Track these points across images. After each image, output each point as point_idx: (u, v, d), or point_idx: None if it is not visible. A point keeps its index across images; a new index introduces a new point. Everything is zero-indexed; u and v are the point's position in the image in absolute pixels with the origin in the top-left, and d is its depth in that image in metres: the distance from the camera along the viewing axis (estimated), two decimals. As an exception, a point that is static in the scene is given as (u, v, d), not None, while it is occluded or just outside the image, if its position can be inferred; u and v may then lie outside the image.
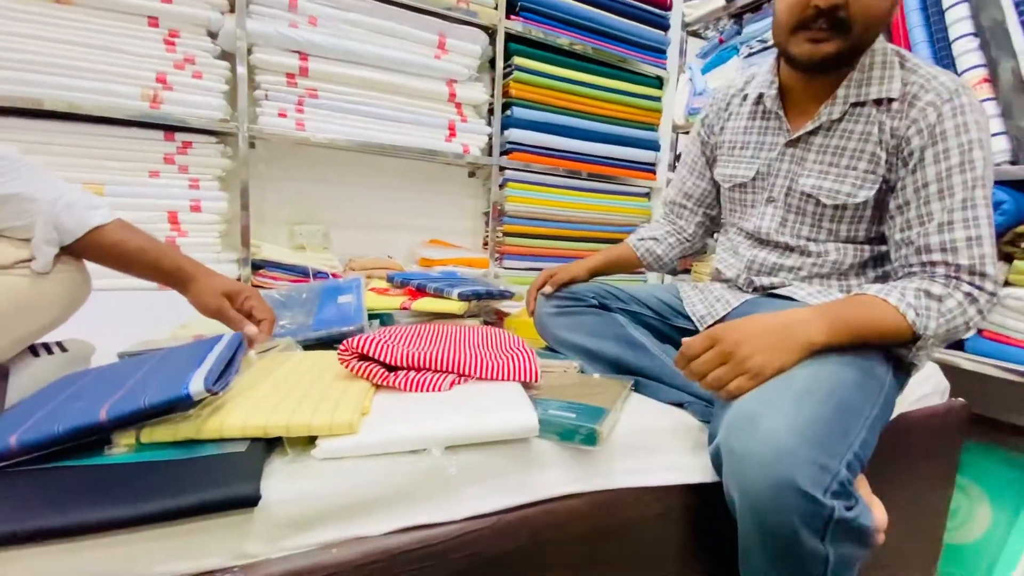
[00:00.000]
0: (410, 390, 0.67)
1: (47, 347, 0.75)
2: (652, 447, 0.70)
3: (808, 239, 0.84)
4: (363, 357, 0.69)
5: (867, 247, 0.82)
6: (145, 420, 0.51)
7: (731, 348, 0.63)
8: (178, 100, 1.44)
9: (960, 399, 1.07)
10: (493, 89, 1.92)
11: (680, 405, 0.79)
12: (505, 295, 1.24)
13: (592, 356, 0.92)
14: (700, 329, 0.91)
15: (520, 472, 0.61)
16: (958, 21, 1.18)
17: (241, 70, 1.52)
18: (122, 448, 0.51)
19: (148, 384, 0.55)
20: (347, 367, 0.69)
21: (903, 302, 0.67)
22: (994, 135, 1.13)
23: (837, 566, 0.56)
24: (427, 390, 0.67)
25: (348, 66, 1.65)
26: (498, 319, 1.31)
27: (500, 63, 1.89)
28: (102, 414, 0.49)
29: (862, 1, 0.69)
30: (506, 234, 2.00)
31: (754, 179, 0.90)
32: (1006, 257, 1.13)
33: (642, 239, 1.12)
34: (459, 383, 0.70)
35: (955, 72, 1.19)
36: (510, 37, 1.90)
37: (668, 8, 2.19)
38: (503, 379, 0.71)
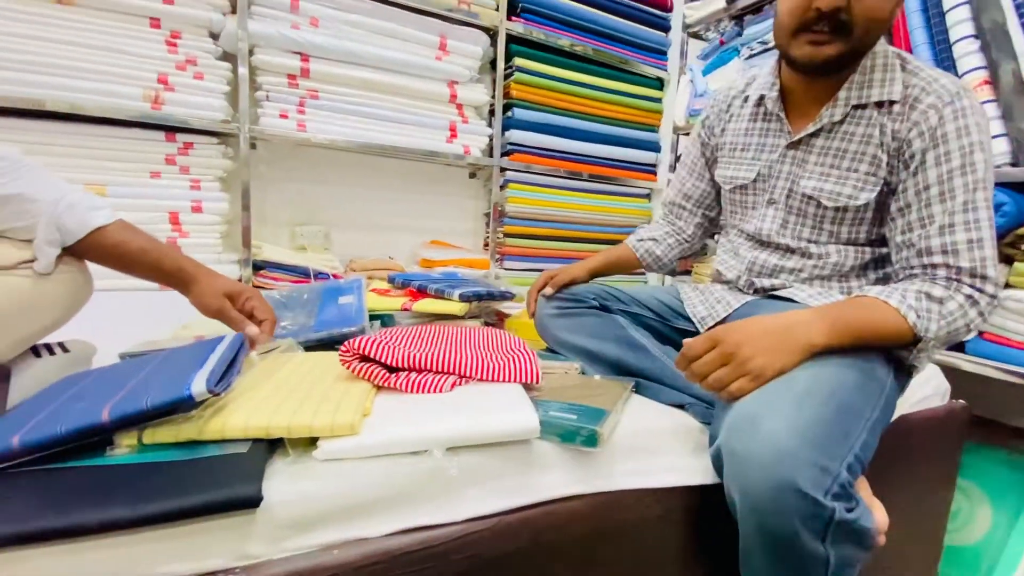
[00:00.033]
0: (411, 391, 0.67)
1: (49, 348, 0.76)
2: (653, 449, 0.70)
3: (809, 241, 0.84)
4: (364, 358, 0.69)
5: (868, 249, 0.82)
6: (147, 421, 0.52)
7: (732, 349, 0.63)
8: (180, 101, 1.45)
9: (961, 401, 1.07)
10: (494, 90, 1.92)
11: (681, 407, 0.79)
12: (506, 296, 1.24)
13: (593, 357, 0.92)
14: (701, 330, 0.91)
15: (521, 473, 0.61)
16: (959, 23, 1.18)
17: (242, 71, 1.53)
18: (124, 449, 0.51)
19: (150, 385, 0.55)
20: (348, 368, 0.69)
21: (904, 304, 0.67)
22: (995, 137, 1.13)
23: (838, 568, 0.56)
24: (428, 391, 0.67)
25: (349, 67, 1.65)
26: (499, 320, 1.31)
27: (501, 64, 1.90)
28: (104, 415, 0.49)
29: (864, 3, 0.69)
30: (507, 235, 2.01)
31: (755, 181, 0.90)
32: (1007, 259, 1.13)
33: (641, 240, 1.12)
34: (460, 384, 0.70)
35: (956, 74, 1.19)
36: (511, 38, 1.90)
37: (669, 9, 2.19)
38: (504, 380, 0.71)
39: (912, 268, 0.73)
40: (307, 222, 1.84)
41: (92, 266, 0.75)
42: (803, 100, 0.83)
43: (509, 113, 1.94)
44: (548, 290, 1.04)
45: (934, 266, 0.71)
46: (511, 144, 1.95)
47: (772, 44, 0.87)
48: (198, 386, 0.51)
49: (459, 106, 1.85)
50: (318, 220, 1.86)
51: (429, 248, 1.97)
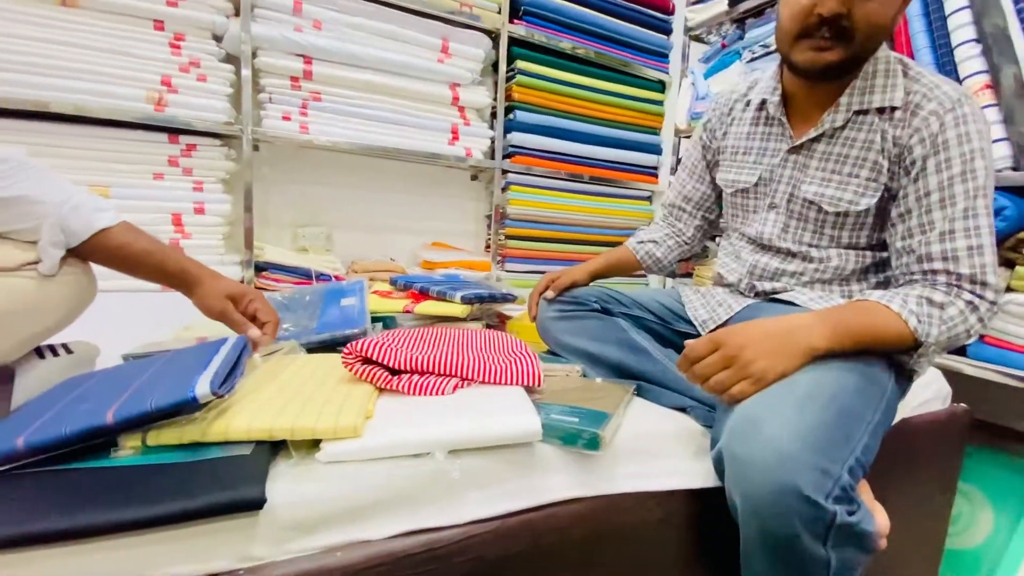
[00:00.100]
0: (413, 394, 0.68)
1: (53, 349, 0.76)
2: (654, 452, 0.71)
3: (810, 245, 0.85)
4: (367, 360, 0.69)
5: (869, 253, 0.82)
6: (151, 423, 0.52)
7: (734, 352, 0.63)
8: (183, 103, 1.45)
9: (962, 404, 1.07)
10: (496, 93, 1.93)
11: (682, 410, 0.79)
12: (507, 298, 1.24)
13: (594, 360, 0.92)
14: (702, 333, 0.91)
15: (523, 476, 0.61)
16: (960, 27, 1.18)
17: (245, 73, 1.53)
18: (128, 450, 0.52)
19: (154, 387, 0.55)
20: (351, 370, 0.69)
21: (905, 309, 0.67)
22: (996, 141, 1.14)
23: (839, 571, 0.56)
24: (430, 394, 0.68)
25: (352, 69, 1.66)
26: (500, 322, 1.31)
27: (503, 67, 1.90)
28: (109, 416, 0.49)
29: (865, 10, 0.69)
30: (508, 237, 2.01)
31: (756, 185, 0.90)
32: (1008, 263, 1.13)
33: (642, 242, 1.13)
34: (462, 387, 0.70)
35: (957, 78, 1.19)
36: (513, 41, 1.90)
37: (670, 12, 2.20)
38: (506, 383, 0.71)
39: (912, 274, 0.73)
40: (309, 224, 1.84)
41: (95, 267, 0.76)
42: (805, 105, 0.84)
43: (511, 115, 1.95)
44: (549, 293, 1.04)
45: (934, 272, 0.71)
46: (513, 146, 1.95)
47: (774, 48, 0.87)
48: (202, 388, 0.52)
49: (461, 108, 1.86)
50: (320, 222, 1.87)
51: (430, 250, 1.98)
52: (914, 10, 1.28)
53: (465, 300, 1.13)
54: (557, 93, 2.00)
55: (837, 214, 0.81)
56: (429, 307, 1.15)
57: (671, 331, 0.98)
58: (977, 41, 1.16)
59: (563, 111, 2.02)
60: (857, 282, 0.84)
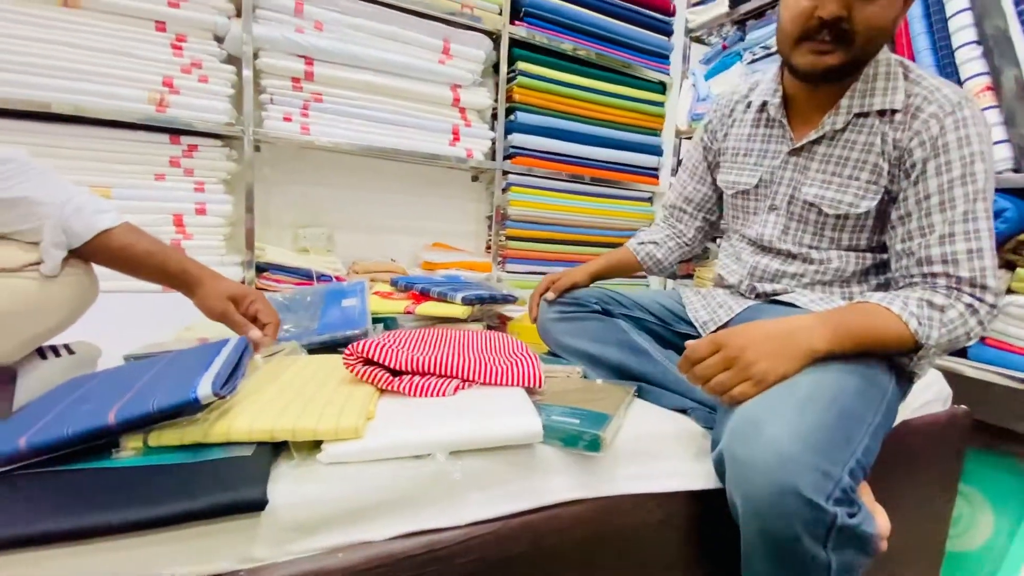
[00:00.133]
0: (414, 395, 0.68)
1: (55, 349, 0.76)
2: (655, 453, 0.71)
3: (810, 247, 0.85)
4: (368, 361, 0.69)
5: (869, 255, 0.82)
6: (153, 423, 0.52)
7: (736, 353, 0.63)
8: (184, 104, 1.46)
9: (963, 406, 1.07)
10: (497, 94, 1.93)
11: (683, 411, 0.79)
12: (508, 299, 1.25)
13: (595, 361, 0.92)
14: (703, 335, 0.91)
15: (524, 478, 0.61)
16: (961, 29, 1.19)
17: (247, 74, 1.53)
18: (130, 451, 0.52)
19: (156, 388, 0.55)
20: (352, 371, 0.69)
21: (906, 311, 0.67)
22: (997, 143, 1.14)
23: (839, 573, 0.56)
24: (431, 395, 0.68)
25: (353, 70, 1.66)
26: (501, 323, 1.32)
27: (504, 68, 1.90)
28: (111, 417, 0.49)
29: (865, 13, 0.69)
30: (509, 238, 2.01)
31: (757, 186, 0.90)
32: (1008, 265, 1.13)
33: (642, 243, 1.13)
34: (463, 388, 0.70)
35: (958, 80, 1.19)
36: (514, 42, 1.91)
37: (671, 14, 2.20)
38: (507, 384, 0.71)
39: (912, 276, 0.74)
40: (310, 224, 1.85)
41: (96, 268, 0.76)
42: (805, 107, 0.84)
43: (511, 117, 1.95)
44: (550, 295, 1.04)
45: (934, 275, 0.71)
46: (513, 147, 1.95)
47: (775, 49, 0.87)
48: (204, 389, 0.52)
49: (462, 110, 1.86)
50: (321, 222, 1.87)
51: (431, 251, 1.98)
52: (915, 12, 1.28)
53: (466, 301, 1.13)
54: (558, 94, 2.00)
55: (837, 216, 0.81)
56: (430, 308, 1.15)
57: (672, 332, 0.98)
58: (978, 43, 1.17)
59: (564, 112, 2.02)
60: (858, 284, 0.84)
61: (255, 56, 1.55)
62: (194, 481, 0.48)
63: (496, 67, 1.92)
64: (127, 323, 0.98)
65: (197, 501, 0.45)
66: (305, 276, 1.65)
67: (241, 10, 1.50)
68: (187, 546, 0.46)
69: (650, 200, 2.32)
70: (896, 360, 0.72)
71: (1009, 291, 1.12)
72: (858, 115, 0.78)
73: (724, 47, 2.00)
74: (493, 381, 0.71)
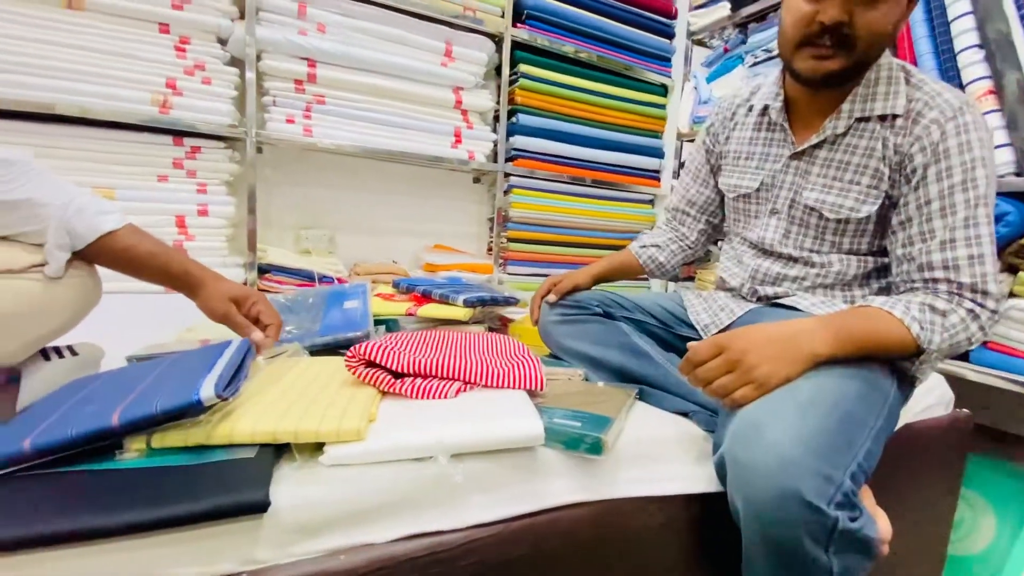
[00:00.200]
0: (416, 397, 0.68)
1: (58, 350, 0.76)
2: (656, 456, 0.71)
3: (811, 251, 0.85)
4: (370, 364, 0.69)
5: (871, 259, 0.82)
6: (157, 425, 0.52)
7: (738, 356, 0.63)
8: (187, 105, 1.46)
9: (965, 410, 1.07)
10: (499, 96, 1.93)
11: (684, 414, 0.79)
12: (510, 301, 1.25)
13: (596, 364, 0.92)
14: (704, 338, 0.91)
15: (525, 481, 0.61)
16: (963, 33, 1.19)
17: (250, 76, 1.54)
18: (133, 453, 0.52)
19: (159, 389, 0.55)
20: (354, 373, 0.69)
21: (908, 315, 0.67)
22: (999, 147, 1.14)
23: (841, 577, 0.56)
24: (433, 397, 0.68)
25: (356, 73, 1.67)
26: (502, 325, 1.32)
27: (506, 70, 1.91)
28: (114, 419, 0.50)
29: (867, 18, 0.69)
30: (510, 240, 2.01)
31: (758, 190, 0.90)
32: (1011, 268, 1.13)
33: (644, 246, 1.13)
34: (465, 390, 0.70)
35: (960, 84, 1.19)
36: (516, 45, 1.91)
37: (673, 17, 2.20)
38: (508, 387, 0.72)
39: (913, 282, 0.74)
40: (312, 226, 1.85)
41: (99, 269, 0.76)
42: (807, 111, 0.84)
43: (513, 119, 1.95)
44: (551, 297, 1.04)
45: (935, 281, 0.71)
46: (515, 150, 1.96)
47: (776, 52, 0.87)
48: (207, 391, 0.52)
49: (464, 112, 1.87)
50: (323, 224, 1.87)
51: (433, 252, 1.98)
52: (917, 16, 1.28)
53: (467, 303, 1.13)
54: (559, 97, 2.00)
55: (838, 221, 0.81)
56: (432, 310, 1.15)
57: (673, 335, 0.98)
58: (980, 47, 1.17)
59: (565, 114, 2.03)
60: (859, 287, 0.84)
61: (258, 58, 1.56)
62: (197, 483, 0.48)
63: (498, 69, 1.93)
64: (129, 324, 0.98)
65: (200, 503, 0.45)
66: (307, 278, 1.66)
67: (244, 12, 1.51)
68: (190, 548, 0.46)
69: (651, 202, 2.32)
70: (898, 364, 0.72)
71: (1011, 295, 1.12)
72: (859, 120, 0.78)
73: (726, 50, 2.00)
74: (494, 383, 0.72)
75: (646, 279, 2.17)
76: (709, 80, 2.05)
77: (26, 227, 0.67)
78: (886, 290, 0.83)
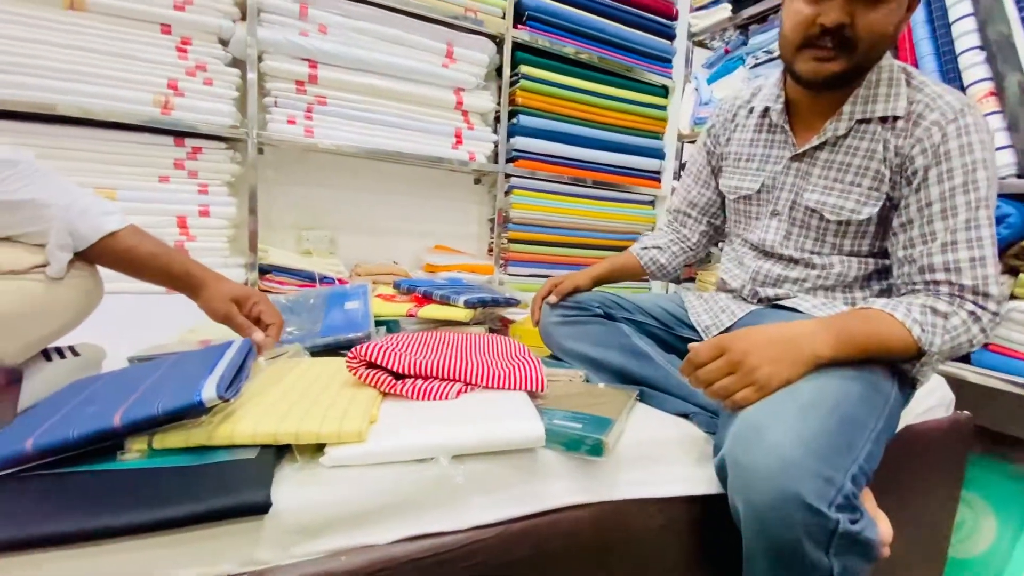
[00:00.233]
0: (417, 398, 0.68)
1: (60, 351, 0.76)
2: (657, 458, 0.71)
3: (812, 252, 0.85)
4: (371, 365, 0.70)
5: (871, 260, 0.82)
6: (158, 426, 0.52)
7: (739, 358, 0.63)
8: (189, 106, 1.46)
9: (965, 412, 1.07)
10: (499, 97, 1.94)
11: (685, 416, 0.79)
12: (511, 303, 1.25)
13: (597, 366, 0.92)
14: (705, 339, 0.91)
15: (526, 482, 0.61)
16: (964, 34, 1.19)
17: (251, 77, 1.54)
18: (135, 454, 0.52)
19: (160, 390, 0.55)
20: (355, 375, 0.69)
21: (909, 317, 0.67)
22: (1000, 149, 1.14)
23: (841, 579, 0.56)
24: (434, 399, 0.68)
25: (357, 74, 1.67)
26: (503, 326, 1.32)
27: (507, 71, 1.91)
28: (116, 420, 0.50)
29: (867, 20, 0.69)
30: (511, 241, 2.01)
31: (759, 192, 0.90)
32: (1012, 270, 1.13)
33: (646, 248, 1.13)
34: (465, 392, 0.70)
35: (961, 85, 1.19)
36: (517, 46, 1.91)
37: (674, 18, 2.20)
38: (509, 388, 0.72)
39: (914, 284, 0.74)
40: (313, 226, 1.85)
41: (101, 269, 0.76)
42: (808, 113, 0.84)
43: (514, 120, 1.96)
44: (552, 298, 1.04)
45: (936, 283, 0.71)
46: (516, 150, 1.96)
47: (777, 54, 0.87)
48: (208, 392, 0.52)
49: (465, 113, 1.87)
50: (324, 224, 1.87)
51: (434, 253, 1.98)
52: (918, 17, 1.28)
53: (468, 304, 1.14)
54: (560, 97, 2.01)
55: (839, 222, 0.81)
56: (432, 311, 1.15)
57: (674, 336, 0.98)
58: (981, 48, 1.17)
59: (566, 115, 2.03)
60: (860, 289, 0.84)
61: (259, 59, 1.56)
62: (198, 484, 0.48)
63: (499, 71, 1.93)
64: (131, 325, 0.99)
65: (201, 503, 0.45)
66: (308, 278, 1.66)
67: (246, 13, 1.51)
68: (191, 548, 0.46)
69: (652, 203, 2.32)
70: (899, 366, 0.72)
71: (1012, 297, 1.12)
72: (860, 121, 0.78)
73: (727, 51, 2.00)
74: (495, 385, 0.72)
75: (647, 280, 2.17)
76: (710, 81, 2.05)
77: (29, 228, 0.67)
78: (887, 292, 0.83)
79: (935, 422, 1.01)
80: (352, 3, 1.64)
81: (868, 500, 0.73)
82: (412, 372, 0.70)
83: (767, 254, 0.90)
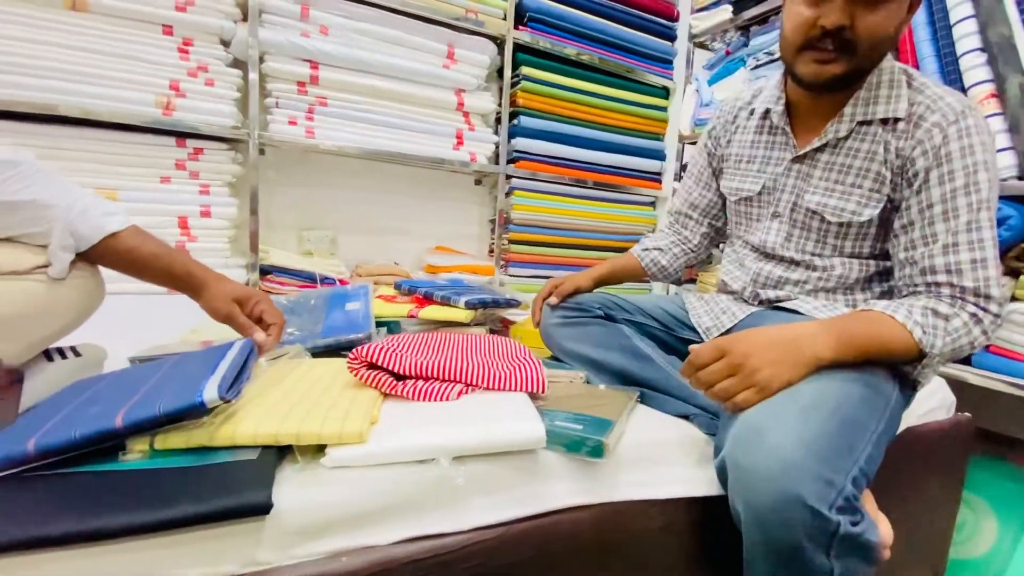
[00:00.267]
0: (418, 399, 0.68)
1: (61, 351, 0.76)
2: (658, 459, 0.71)
3: (813, 254, 0.85)
4: (372, 366, 0.70)
5: (873, 262, 0.82)
6: (160, 427, 0.52)
7: (740, 360, 0.63)
8: (190, 107, 1.47)
9: (966, 414, 1.07)
10: (500, 98, 1.94)
11: (686, 417, 0.79)
12: (511, 304, 1.25)
13: (598, 367, 0.92)
14: (706, 341, 0.91)
15: (526, 483, 0.61)
16: (965, 36, 1.19)
17: (253, 78, 1.55)
18: (136, 454, 0.52)
19: (162, 391, 0.55)
20: (356, 375, 0.69)
21: (910, 319, 0.67)
22: (1001, 150, 1.14)
23: (842, 581, 0.56)
24: (435, 400, 0.68)
25: (358, 75, 1.67)
26: (504, 327, 1.32)
27: (508, 73, 1.91)
28: (118, 420, 0.50)
29: (868, 22, 0.69)
30: (512, 242, 2.02)
31: (760, 193, 0.90)
32: (1013, 272, 1.13)
33: (647, 249, 1.13)
34: (466, 393, 0.70)
35: (962, 87, 1.19)
36: (518, 47, 1.92)
37: (675, 19, 2.21)
38: (510, 389, 0.72)
39: (916, 285, 0.73)
40: (314, 227, 1.85)
41: (102, 270, 0.76)
42: (808, 115, 0.84)
43: (515, 121, 1.96)
44: (553, 299, 1.04)
45: (938, 284, 0.71)
46: (517, 151, 1.96)
47: (778, 55, 0.87)
48: (210, 393, 0.52)
49: (466, 114, 1.87)
50: (325, 225, 1.88)
51: (434, 254, 1.98)
52: (920, 19, 1.28)
53: (469, 305, 1.14)
54: (561, 99, 2.01)
55: (840, 224, 0.81)
56: (433, 312, 1.16)
57: (675, 338, 0.98)
58: (982, 50, 1.17)
59: (567, 116, 2.03)
60: (861, 291, 0.84)
61: (261, 60, 1.56)
62: (200, 484, 0.48)
63: (500, 71, 1.93)
64: (132, 325, 0.99)
65: (203, 504, 0.46)
66: (309, 279, 1.66)
67: (247, 14, 1.52)
68: (192, 549, 0.46)
69: (653, 204, 2.32)
70: (900, 368, 0.72)
71: (1013, 299, 1.12)
72: (861, 123, 0.78)
73: (727, 53, 2.00)
74: (496, 386, 0.72)
75: (648, 282, 2.18)
76: (711, 83, 2.05)
77: (30, 228, 0.68)
78: (888, 294, 0.83)
79: (936, 424, 1.01)
80: (353, 4, 1.64)
81: (869, 502, 0.73)
82: (413, 373, 0.70)
83: (768, 256, 0.90)
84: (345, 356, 0.71)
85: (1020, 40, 1.11)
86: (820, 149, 0.82)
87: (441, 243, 2.07)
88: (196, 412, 0.52)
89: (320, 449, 0.55)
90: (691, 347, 0.66)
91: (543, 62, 1.95)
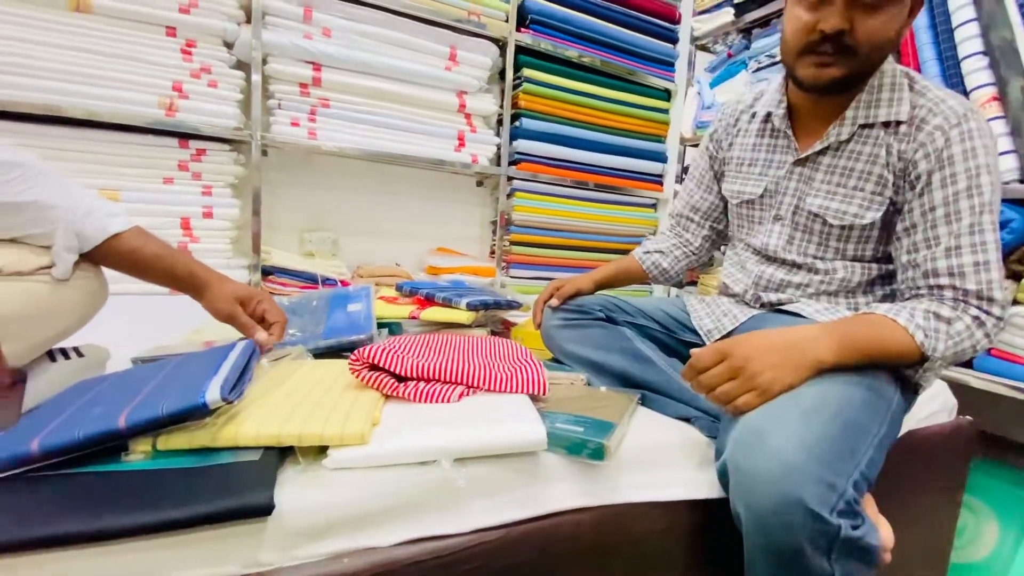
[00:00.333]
0: (419, 401, 0.68)
1: (64, 352, 0.76)
2: (659, 462, 0.71)
3: (815, 257, 0.85)
4: (373, 367, 0.70)
5: (874, 265, 0.82)
6: (162, 428, 0.52)
7: (741, 363, 0.63)
8: (193, 108, 1.47)
9: (968, 417, 1.07)
10: (502, 100, 1.94)
11: (687, 420, 0.79)
12: (513, 305, 1.25)
13: (599, 369, 0.92)
14: (707, 343, 0.91)
15: (528, 485, 0.61)
16: (967, 40, 1.19)
17: (256, 79, 1.55)
18: (139, 455, 0.52)
19: (165, 392, 0.56)
20: (358, 377, 0.69)
21: (912, 323, 0.67)
22: (1003, 154, 1.14)
23: (843, 584, 0.56)
24: (436, 401, 0.68)
25: (360, 77, 1.68)
26: (505, 329, 1.32)
27: (510, 75, 1.92)
28: (121, 421, 0.50)
29: (868, 26, 0.70)
30: (513, 243, 2.02)
31: (762, 196, 0.90)
32: (1015, 275, 1.13)
33: (648, 252, 1.13)
34: (468, 394, 0.71)
35: (964, 90, 1.20)
36: (520, 49, 1.92)
37: (677, 22, 2.21)
38: (511, 391, 0.72)
39: (918, 288, 0.73)
40: (316, 228, 1.86)
41: (105, 271, 0.77)
42: (810, 118, 0.84)
43: (517, 123, 1.96)
44: (554, 301, 1.04)
45: (940, 287, 0.71)
46: (518, 153, 1.96)
47: (779, 58, 0.88)
48: (212, 394, 0.52)
49: (467, 116, 1.87)
50: (327, 226, 1.88)
51: (436, 255, 1.99)
52: (922, 22, 1.28)
53: (471, 307, 1.14)
54: (563, 101, 2.01)
55: (842, 227, 0.81)
56: (435, 313, 1.16)
57: (676, 340, 0.98)
58: (984, 54, 1.17)
59: (569, 119, 2.03)
60: (863, 294, 0.84)
61: (264, 62, 1.57)
62: (202, 485, 0.48)
63: (502, 74, 1.94)
64: (136, 326, 0.99)
65: (205, 505, 0.46)
66: (310, 280, 1.66)
67: (251, 16, 1.52)
68: (194, 550, 0.46)
69: (654, 207, 2.32)
70: (901, 371, 0.72)
71: (1015, 302, 1.12)
72: (863, 126, 0.78)
73: (729, 55, 2.01)
74: (497, 388, 0.72)
75: (649, 284, 2.18)
76: (712, 85, 2.05)
77: (34, 229, 0.68)
78: (890, 297, 0.83)
79: (938, 427, 1.01)
80: (356, 7, 1.65)
81: (870, 505, 0.73)
82: (414, 374, 0.70)
83: (770, 259, 0.90)
84: (347, 357, 0.71)
85: (1022, 43, 1.11)
86: (822, 152, 0.82)
87: (442, 244, 2.07)
88: (199, 413, 0.52)
89: (322, 450, 0.56)
90: (692, 351, 0.67)
91: (545, 64, 1.96)
